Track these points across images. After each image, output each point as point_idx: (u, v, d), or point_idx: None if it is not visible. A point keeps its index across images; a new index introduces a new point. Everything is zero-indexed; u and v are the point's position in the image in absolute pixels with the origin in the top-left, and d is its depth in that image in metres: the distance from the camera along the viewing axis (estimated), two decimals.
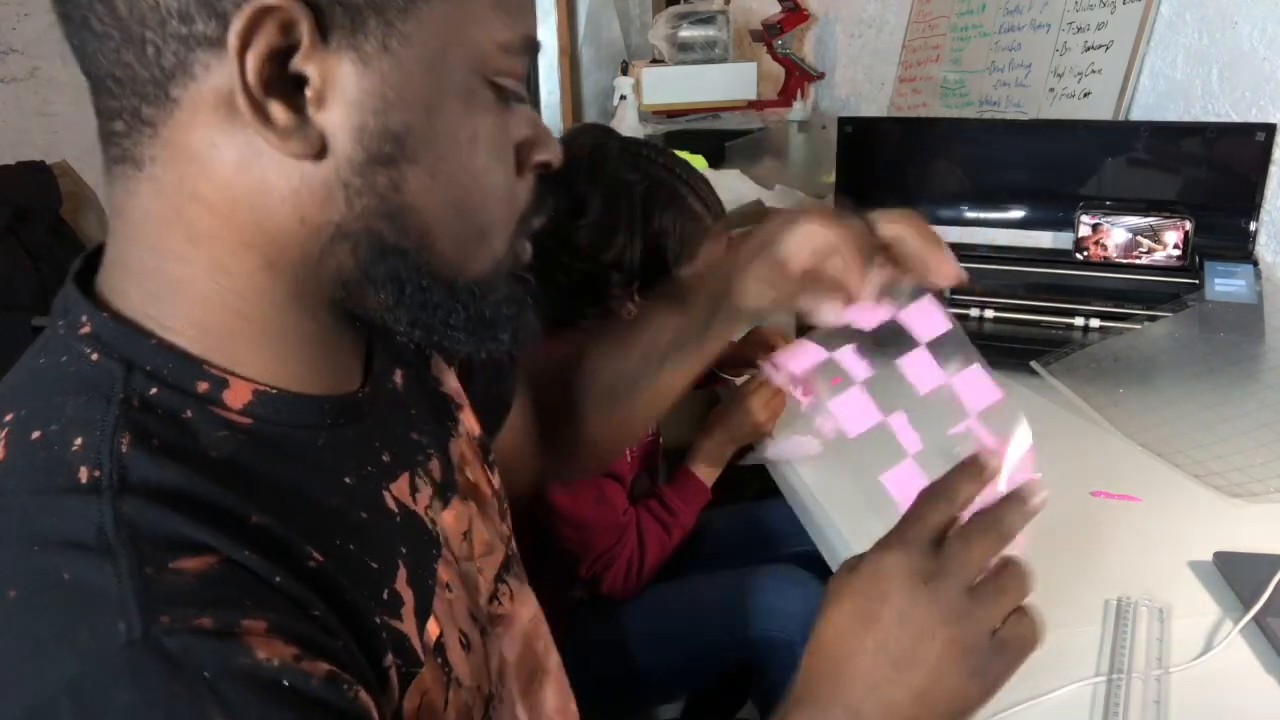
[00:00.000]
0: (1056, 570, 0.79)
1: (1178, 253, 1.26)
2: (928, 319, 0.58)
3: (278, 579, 0.38)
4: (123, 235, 0.43)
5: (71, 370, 0.41)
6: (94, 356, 0.41)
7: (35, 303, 2.10)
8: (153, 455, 0.38)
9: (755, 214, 1.11)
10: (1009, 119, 1.74)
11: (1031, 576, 0.48)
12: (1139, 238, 1.28)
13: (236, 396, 0.42)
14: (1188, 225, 1.25)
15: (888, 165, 1.52)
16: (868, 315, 0.59)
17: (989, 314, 1.31)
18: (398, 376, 0.56)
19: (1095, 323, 1.25)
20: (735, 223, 1.53)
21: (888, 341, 0.58)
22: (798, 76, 2.62)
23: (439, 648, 0.48)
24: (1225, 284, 1.18)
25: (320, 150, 0.39)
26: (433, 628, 0.48)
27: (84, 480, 0.37)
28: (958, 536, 0.48)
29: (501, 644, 0.58)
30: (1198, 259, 1.24)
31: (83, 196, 2.35)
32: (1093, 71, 1.58)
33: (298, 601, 0.38)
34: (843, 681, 0.46)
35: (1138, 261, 1.28)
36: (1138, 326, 1.19)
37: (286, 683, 0.35)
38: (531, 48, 0.44)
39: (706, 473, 1.17)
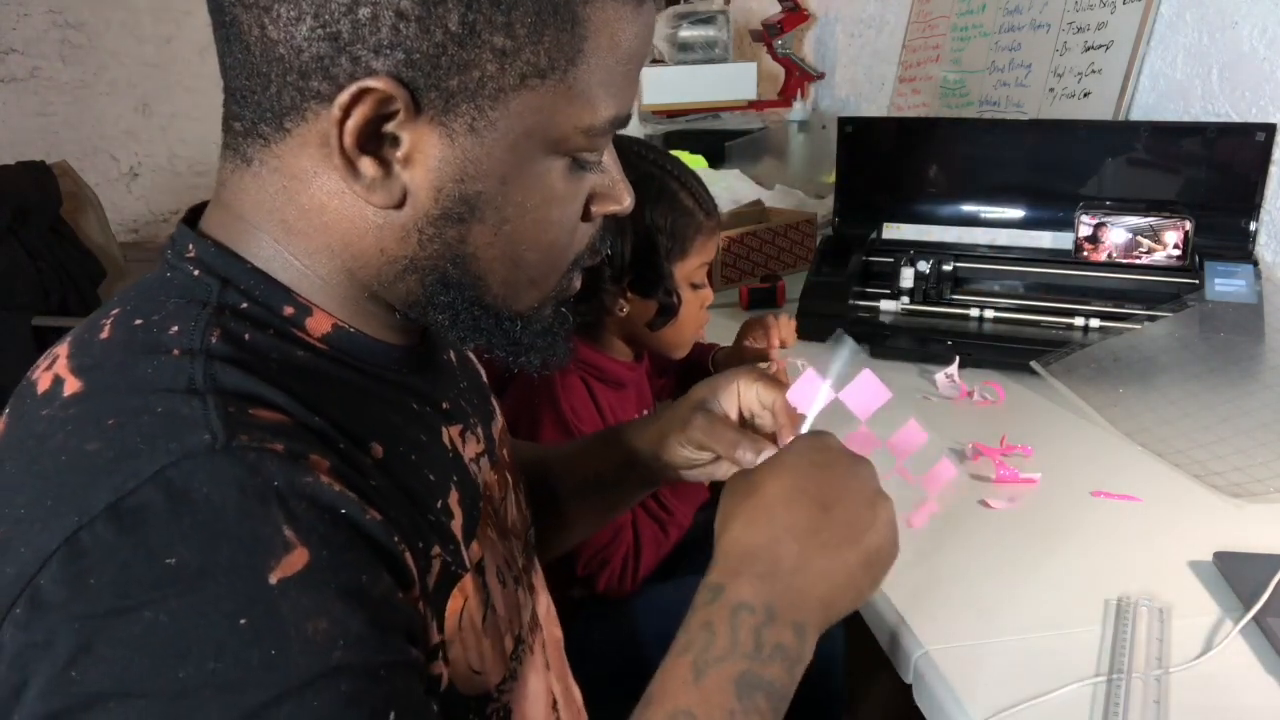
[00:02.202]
0: (1056, 570, 0.79)
1: (1178, 253, 1.26)
2: (867, 393, 0.61)
3: (342, 446, 0.43)
4: (225, 201, 0.49)
5: (175, 282, 0.47)
6: (195, 273, 0.47)
7: (35, 303, 2.10)
8: (239, 347, 0.44)
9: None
10: (1009, 119, 1.74)
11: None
12: (1139, 238, 1.28)
13: (318, 325, 0.48)
14: (1188, 225, 1.25)
15: (888, 165, 1.52)
16: (807, 399, 0.61)
17: (989, 314, 1.31)
18: (450, 354, 0.62)
19: (1095, 323, 1.25)
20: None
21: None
22: (798, 76, 2.62)
23: (480, 568, 0.53)
24: (1225, 284, 1.18)
25: (400, 202, 0.46)
26: (476, 550, 0.52)
27: (177, 353, 0.43)
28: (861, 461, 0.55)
29: (530, 601, 0.61)
30: (1198, 259, 1.24)
31: (83, 196, 2.35)
32: (1093, 71, 1.58)
33: (358, 468, 0.43)
34: (782, 547, 0.51)
35: (1138, 261, 1.28)
36: (1138, 326, 1.19)
37: (344, 511, 0.40)
38: (620, 124, 0.49)
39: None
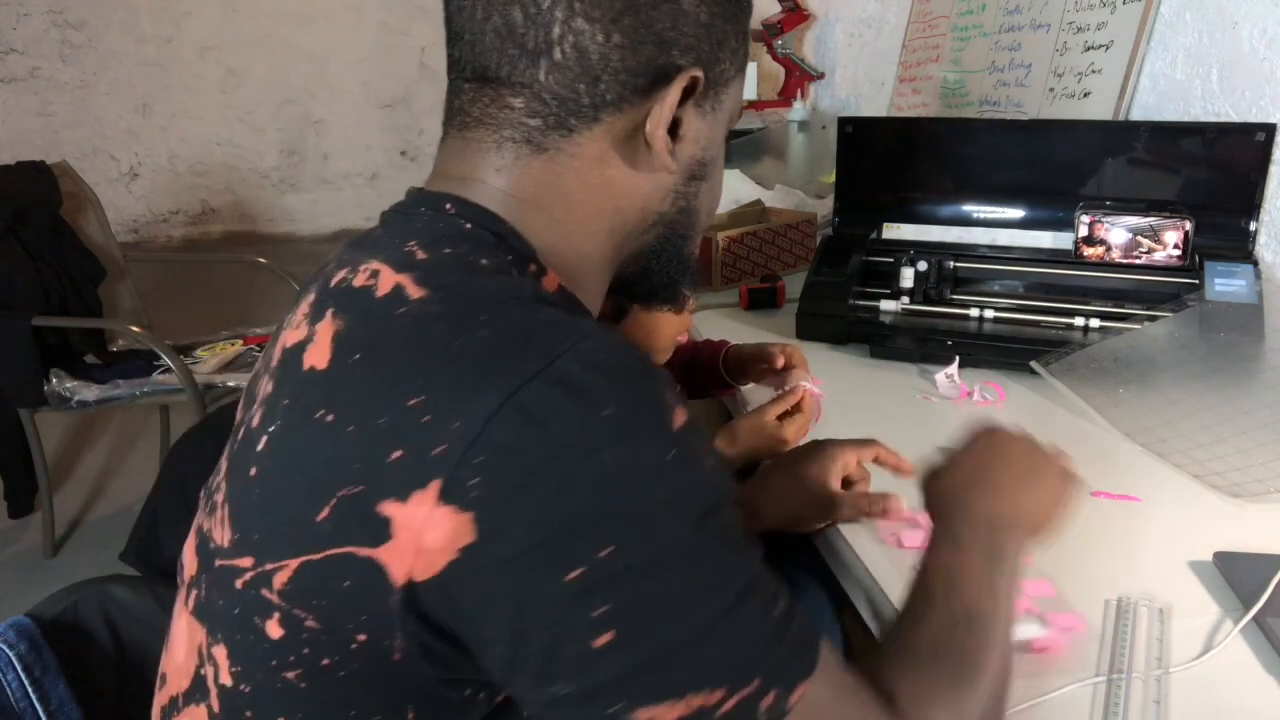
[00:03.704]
0: (1057, 570, 0.79)
1: (1178, 253, 1.26)
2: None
3: None
4: (493, 183, 0.56)
5: (454, 229, 0.54)
6: (467, 225, 0.55)
7: (35, 303, 2.10)
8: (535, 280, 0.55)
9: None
10: (1009, 119, 1.74)
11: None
12: (1139, 238, 1.28)
13: (551, 282, 0.56)
14: (1188, 225, 1.25)
15: (888, 165, 1.52)
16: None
17: (989, 314, 1.31)
18: None
19: (1095, 323, 1.25)
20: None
21: None
22: (798, 76, 2.62)
23: None
24: (1225, 284, 1.18)
25: (677, 169, 0.58)
26: None
27: (502, 276, 0.52)
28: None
29: None
30: (1198, 259, 1.24)
31: (83, 196, 2.35)
32: (1093, 71, 1.58)
33: None
34: (989, 488, 0.65)
35: (1138, 261, 1.28)
36: (1138, 326, 1.19)
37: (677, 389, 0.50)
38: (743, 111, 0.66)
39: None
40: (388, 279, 0.51)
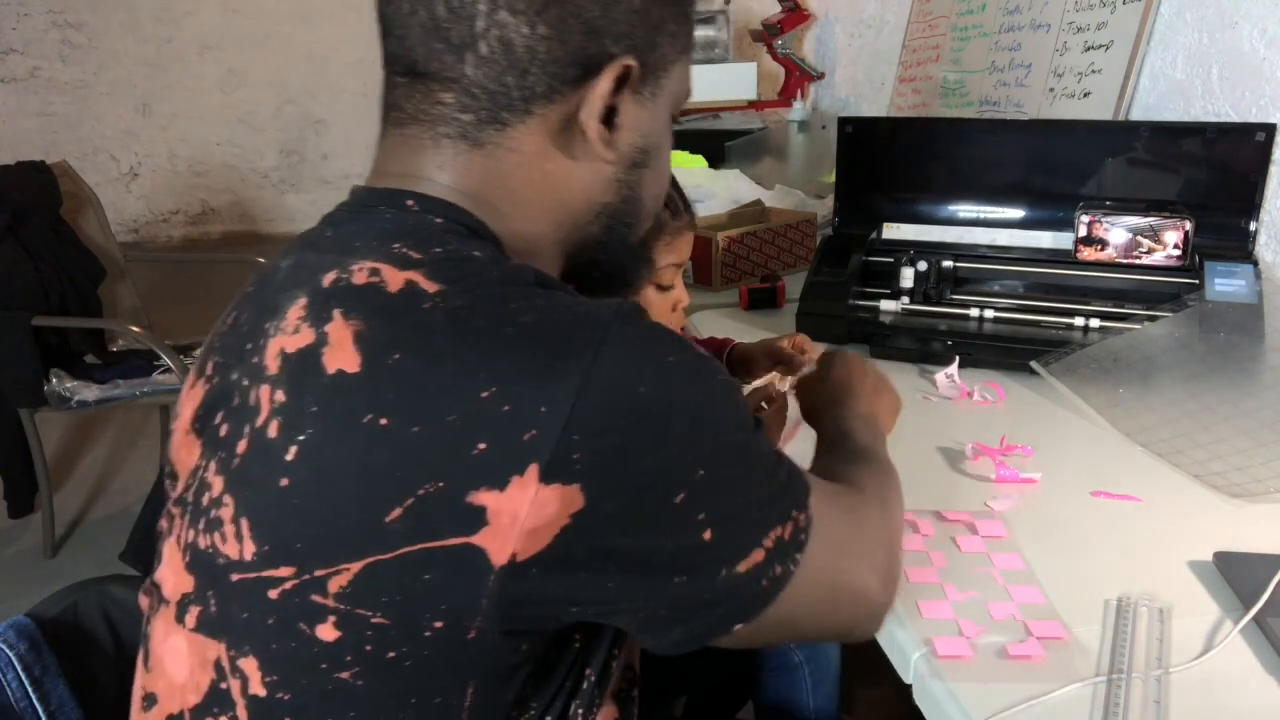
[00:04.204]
0: (1056, 570, 0.79)
1: (1178, 253, 1.26)
2: None
3: None
4: (438, 180, 0.56)
5: (429, 226, 0.54)
6: (437, 220, 0.55)
7: (35, 303, 2.10)
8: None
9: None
10: (1009, 119, 1.74)
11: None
12: (1139, 238, 1.28)
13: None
14: (1188, 225, 1.25)
15: (888, 165, 1.52)
16: None
17: (989, 314, 1.31)
18: None
19: (1095, 323, 1.25)
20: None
21: None
22: (798, 76, 2.62)
23: None
24: (1225, 284, 1.18)
25: (618, 159, 0.59)
26: None
27: (503, 267, 0.54)
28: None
29: None
30: (1198, 259, 1.24)
31: (83, 196, 2.35)
32: (1093, 71, 1.58)
33: None
34: (860, 395, 0.81)
35: (1138, 261, 1.28)
36: (1138, 326, 1.19)
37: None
38: (690, 94, 0.65)
39: None
40: (394, 276, 0.51)
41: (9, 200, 2.10)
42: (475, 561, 0.47)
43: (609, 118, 0.57)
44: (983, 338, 1.28)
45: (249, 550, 0.51)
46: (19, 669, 0.72)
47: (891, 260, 1.37)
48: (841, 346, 0.90)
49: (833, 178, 1.54)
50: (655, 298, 1.06)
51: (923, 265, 1.35)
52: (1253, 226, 1.27)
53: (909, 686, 0.70)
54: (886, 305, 1.36)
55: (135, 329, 2.12)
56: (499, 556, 0.46)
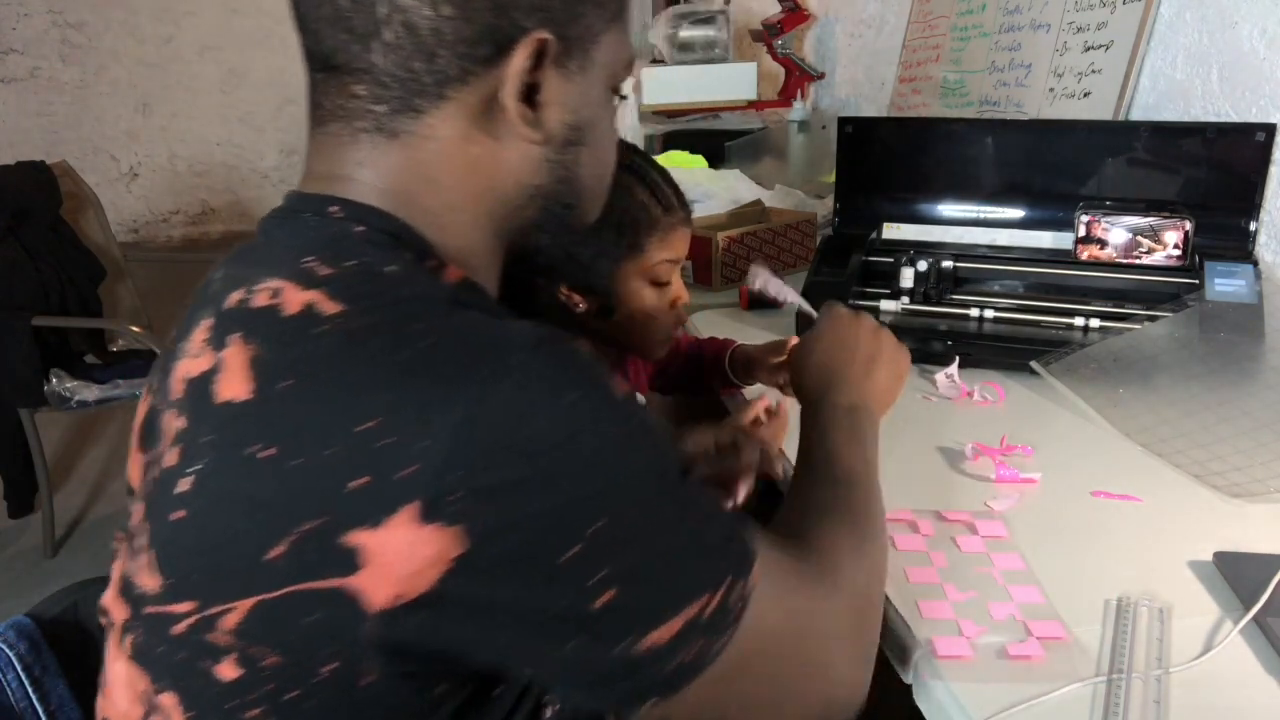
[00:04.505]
0: (1056, 570, 0.79)
1: (1178, 253, 1.26)
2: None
3: None
4: (359, 177, 0.54)
5: (347, 236, 0.52)
6: (358, 229, 0.52)
7: (35, 303, 2.10)
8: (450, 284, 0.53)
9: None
10: (1009, 119, 1.74)
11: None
12: (1139, 238, 1.28)
13: (451, 276, 0.54)
14: (1188, 225, 1.25)
15: (888, 165, 1.52)
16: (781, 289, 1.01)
17: (989, 314, 1.31)
18: None
19: (1095, 323, 1.25)
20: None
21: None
22: (798, 76, 2.62)
23: None
24: (1225, 284, 1.18)
25: (545, 139, 0.56)
26: None
27: (415, 284, 0.51)
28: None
29: None
30: (1198, 259, 1.24)
31: (83, 196, 2.35)
32: (1093, 71, 1.58)
33: None
34: (848, 375, 0.76)
35: (1138, 261, 1.28)
36: (1138, 326, 1.19)
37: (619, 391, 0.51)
38: (633, 64, 0.62)
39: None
40: (294, 297, 0.49)
41: (9, 200, 2.11)
42: (354, 604, 0.44)
43: (530, 95, 0.54)
44: (983, 338, 1.28)
45: (156, 583, 0.49)
46: (19, 669, 0.72)
47: (891, 260, 1.37)
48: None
49: (833, 178, 1.54)
50: (652, 295, 1.05)
51: (923, 265, 1.35)
52: (1253, 226, 1.27)
53: (909, 686, 0.70)
54: (886, 305, 1.35)
55: (135, 329, 2.12)
56: (378, 599, 0.43)
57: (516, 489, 0.43)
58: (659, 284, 1.04)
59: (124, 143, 4.81)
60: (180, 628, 0.47)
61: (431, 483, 0.42)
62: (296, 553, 0.44)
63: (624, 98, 0.62)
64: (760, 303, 1.52)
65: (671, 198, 1.04)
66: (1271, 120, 1.25)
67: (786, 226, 1.71)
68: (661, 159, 2.17)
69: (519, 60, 0.52)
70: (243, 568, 0.45)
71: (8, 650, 0.72)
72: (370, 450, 0.43)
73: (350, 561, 0.43)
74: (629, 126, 2.34)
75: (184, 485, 0.48)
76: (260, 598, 0.45)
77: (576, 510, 0.45)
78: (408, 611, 0.44)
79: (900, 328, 1.31)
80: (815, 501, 0.65)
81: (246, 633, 0.46)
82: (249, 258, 0.54)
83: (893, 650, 0.73)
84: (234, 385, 0.47)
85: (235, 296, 0.51)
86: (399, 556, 0.43)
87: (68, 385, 2.05)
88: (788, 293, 1.02)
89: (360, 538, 0.43)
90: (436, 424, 0.43)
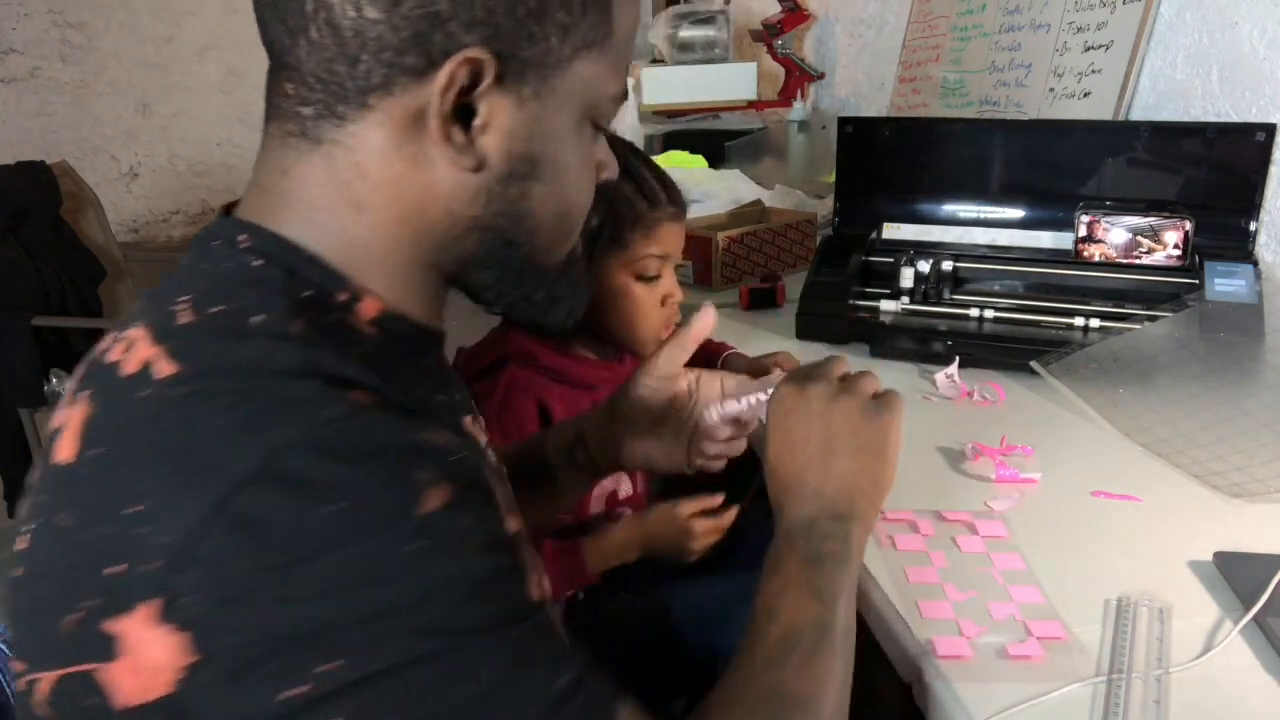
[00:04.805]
0: (1056, 570, 0.79)
1: (1178, 253, 1.26)
2: None
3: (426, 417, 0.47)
4: (281, 187, 0.51)
5: (238, 273, 0.49)
6: (255, 262, 0.49)
7: (35, 303, 2.10)
8: (321, 333, 0.47)
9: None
10: (1009, 119, 1.74)
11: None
12: (1139, 238, 1.28)
13: (366, 310, 0.51)
14: (1188, 225, 1.25)
15: (888, 165, 1.52)
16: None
17: (989, 314, 1.31)
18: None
19: (1095, 323, 1.25)
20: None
21: None
22: (798, 76, 2.62)
23: (520, 537, 0.55)
24: (1225, 284, 1.18)
25: (479, 165, 0.50)
26: (515, 522, 0.55)
27: (270, 339, 0.45)
28: (852, 378, 0.66)
29: None
30: (1198, 259, 1.24)
31: (83, 196, 2.35)
32: (1093, 71, 1.58)
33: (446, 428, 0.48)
34: (804, 480, 0.63)
35: (1138, 261, 1.28)
36: (1138, 326, 1.19)
37: (467, 461, 0.45)
38: (625, 97, 0.56)
39: (598, 559, 1.11)
40: (140, 353, 0.45)
41: (9, 200, 2.11)
42: (105, 696, 0.41)
43: (466, 117, 0.49)
44: (983, 338, 1.28)
45: (10, 634, 0.47)
46: None
47: (891, 260, 1.37)
48: (837, 348, 0.75)
49: (833, 178, 1.54)
50: (640, 291, 1.04)
51: (923, 265, 1.35)
52: (1253, 226, 1.27)
53: (909, 686, 0.70)
54: (886, 305, 1.35)
55: None
56: (124, 694, 0.41)
57: (245, 600, 0.39)
58: (646, 279, 1.03)
59: (124, 143, 4.81)
60: (20, 685, 0.45)
61: (168, 580, 0.39)
62: (80, 630, 0.41)
63: (606, 134, 0.58)
64: (760, 302, 1.52)
65: (659, 193, 1.03)
66: (1271, 120, 1.25)
67: (786, 226, 1.71)
68: (661, 159, 2.17)
69: (444, 77, 0.47)
70: (46, 638, 0.43)
71: (7, 650, 0.72)
72: (129, 536, 0.40)
73: (109, 649, 0.40)
74: (629, 126, 2.34)
75: (21, 543, 0.46)
76: (61, 671, 0.42)
77: (308, 641, 0.39)
78: (148, 713, 0.40)
79: (900, 328, 1.32)
80: (743, 681, 0.55)
81: (55, 704, 0.43)
82: (156, 291, 0.51)
83: (892, 650, 0.73)
84: (66, 446, 0.45)
85: (101, 347, 0.48)
86: (143, 653, 0.40)
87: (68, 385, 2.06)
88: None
89: (118, 626, 0.40)
90: (184, 518, 0.40)
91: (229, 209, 0.54)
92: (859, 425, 0.63)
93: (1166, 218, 1.26)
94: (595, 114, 0.54)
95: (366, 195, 0.50)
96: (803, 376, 0.65)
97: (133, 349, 0.46)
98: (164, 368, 0.44)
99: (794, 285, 1.47)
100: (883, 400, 0.64)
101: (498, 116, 0.49)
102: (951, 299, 1.35)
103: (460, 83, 0.47)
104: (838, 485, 0.62)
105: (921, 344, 1.27)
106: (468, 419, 0.60)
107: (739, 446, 0.79)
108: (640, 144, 2.37)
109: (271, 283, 0.48)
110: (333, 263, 0.50)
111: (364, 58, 0.47)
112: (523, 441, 0.84)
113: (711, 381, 0.78)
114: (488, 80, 0.48)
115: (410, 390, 0.50)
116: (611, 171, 0.60)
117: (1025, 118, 1.71)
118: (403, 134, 0.49)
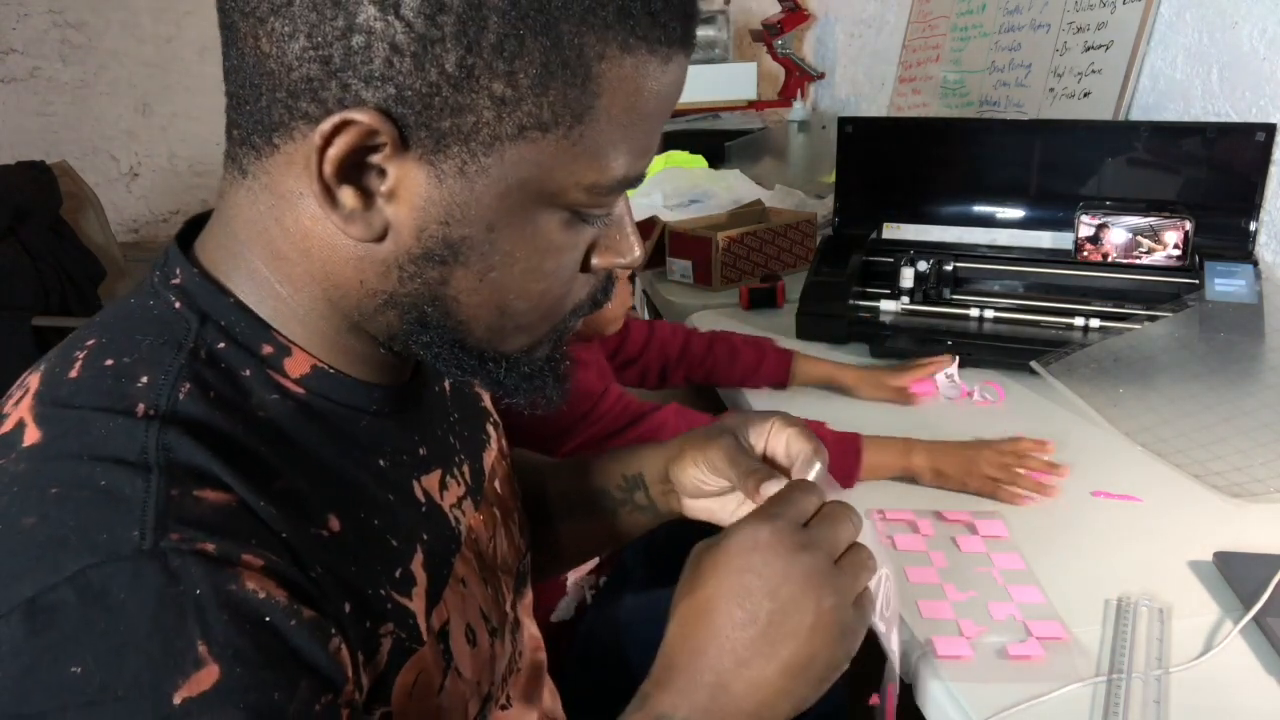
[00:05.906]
0: (1056, 570, 0.79)
1: (1178, 253, 1.26)
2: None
3: (284, 535, 0.41)
4: (223, 215, 0.47)
5: (155, 314, 0.45)
6: (176, 304, 0.45)
7: (35, 303, 2.10)
8: (207, 404, 0.42)
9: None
10: (1009, 119, 1.74)
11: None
12: (1139, 238, 1.28)
13: (296, 366, 0.46)
14: (1188, 225, 1.25)
15: (888, 165, 1.52)
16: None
17: (989, 314, 1.31)
18: (445, 383, 0.60)
19: (1095, 323, 1.25)
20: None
21: None
22: (798, 76, 2.62)
23: (443, 634, 0.50)
24: (1225, 284, 1.18)
25: (381, 235, 0.44)
26: (440, 614, 0.50)
27: (139, 414, 0.41)
28: (825, 518, 0.49)
29: (510, 648, 0.60)
30: (1198, 259, 1.24)
31: (83, 196, 2.35)
32: (1093, 71, 1.58)
33: (299, 557, 0.41)
34: (709, 654, 0.47)
35: (1138, 261, 1.28)
36: (1138, 326, 1.19)
37: (269, 619, 0.38)
38: (633, 183, 0.47)
39: (873, 455, 0.95)
40: (19, 411, 0.42)
41: (9, 200, 2.11)
42: None
43: (358, 180, 0.42)
44: (983, 338, 1.28)
45: None
46: None
47: (891, 260, 1.37)
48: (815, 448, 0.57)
49: (833, 178, 1.54)
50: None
51: (923, 265, 1.35)
52: (1253, 226, 1.27)
53: (909, 686, 0.70)
54: (886, 305, 1.36)
55: None
56: None
57: None
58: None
59: (124, 143, 4.81)
60: None
61: None
62: None
63: (597, 218, 0.48)
64: (760, 302, 1.52)
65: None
66: (1271, 120, 1.25)
67: (786, 226, 1.71)
68: (661, 159, 2.17)
69: (318, 136, 0.41)
70: None
71: None
72: None
73: None
74: None
75: None
76: None
77: None
78: None
79: (900, 328, 1.32)
80: None
81: None
82: (86, 324, 0.47)
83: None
84: None
85: (17, 381, 0.45)
86: None
87: None
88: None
89: None
90: None
91: (192, 223, 0.51)
92: (809, 620, 0.46)
93: (1166, 218, 1.26)
94: (560, 204, 0.45)
95: (280, 242, 0.45)
96: (795, 523, 0.48)
97: (18, 404, 0.43)
98: (28, 434, 0.41)
99: (794, 285, 1.47)
100: (847, 562, 0.48)
101: (408, 187, 0.42)
102: (951, 299, 1.35)
103: (349, 143, 0.41)
104: (749, 695, 0.46)
105: (921, 344, 1.27)
106: (430, 479, 0.53)
107: None
108: None
109: (178, 333, 0.44)
110: (261, 312, 0.46)
111: (264, 91, 0.42)
112: (584, 462, 0.74)
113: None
114: (387, 145, 0.41)
115: (318, 467, 0.45)
116: (625, 257, 0.50)
117: (1025, 118, 1.71)
118: (308, 184, 0.43)
